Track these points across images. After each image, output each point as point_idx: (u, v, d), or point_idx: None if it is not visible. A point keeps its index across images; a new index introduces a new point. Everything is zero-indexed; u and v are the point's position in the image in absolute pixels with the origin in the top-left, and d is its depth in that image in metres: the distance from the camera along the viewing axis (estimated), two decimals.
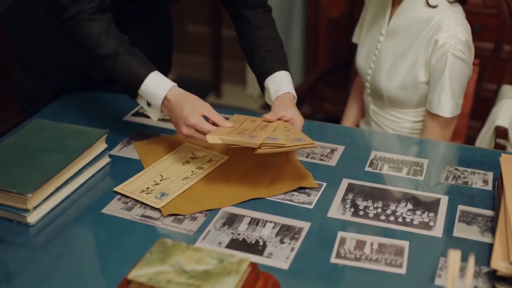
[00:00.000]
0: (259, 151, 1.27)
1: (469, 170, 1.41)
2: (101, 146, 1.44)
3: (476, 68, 1.94)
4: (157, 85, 1.39)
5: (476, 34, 1.81)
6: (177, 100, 1.37)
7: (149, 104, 1.43)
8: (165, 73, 1.81)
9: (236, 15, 1.63)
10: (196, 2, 3.76)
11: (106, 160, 1.45)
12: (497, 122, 1.75)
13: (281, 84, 1.49)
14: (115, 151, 1.49)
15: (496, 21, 1.97)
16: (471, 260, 0.93)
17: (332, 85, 2.90)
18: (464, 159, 1.46)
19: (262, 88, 1.55)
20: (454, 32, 1.53)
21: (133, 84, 1.40)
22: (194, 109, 1.35)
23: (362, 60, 1.75)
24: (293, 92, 1.48)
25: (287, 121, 1.39)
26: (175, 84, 1.40)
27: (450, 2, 1.57)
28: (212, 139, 1.30)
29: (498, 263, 1.03)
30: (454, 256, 0.94)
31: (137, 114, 1.67)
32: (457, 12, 1.58)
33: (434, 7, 1.56)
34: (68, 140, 1.41)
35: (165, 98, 1.38)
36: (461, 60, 1.55)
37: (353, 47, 1.89)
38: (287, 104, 1.43)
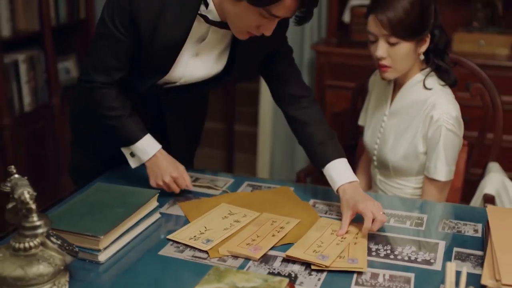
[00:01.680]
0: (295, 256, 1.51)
1: (462, 222, 1.69)
2: (153, 203, 1.73)
3: (465, 148, 2.25)
4: (148, 145, 1.81)
5: (465, 124, 2.13)
6: (164, 158, 1.81)
7: (132, 155, 1.83)
8: (197, 137, 2.22)
9: (285, 113, 1.88)
10: (212, 102, 4.11)
11: (157, 215, 1.73)
12: (485, 191, 2.04)
13: (342, 172, 1.72)
14: (163, 209, 1.78)
15: (482, 112, 2.30)
16: (464, 271, 1.20)
17: None
18: (457, 215, 1.74)
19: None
20: (446, 109, 1.86)
21: (129, 140, 1.81)
22: (176, 167, 1.81)
23: (368, 138, 2.07)
24: (355, 178, 1.72)
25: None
26: (161, 146, 1.82)
27: (442, 85, 1.91)
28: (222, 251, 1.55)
29: (487, 280, 1.30)
30: (451, 267, 1.21)
31: None
32: (448, 93, 1.91)
33: (430, 89, 1.90)
34: (126, 198, 1.70)
35: (154, 155, 1.80)
36: (453, 132, 1.86)
37: (357, 133, 2.21)
38: (362, 196, 1.65)
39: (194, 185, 1.91)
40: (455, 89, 1.99)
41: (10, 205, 1.39)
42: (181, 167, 1.83)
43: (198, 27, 1.70)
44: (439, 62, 1.91)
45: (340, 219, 1.67)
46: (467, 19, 3.30)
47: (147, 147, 1.82)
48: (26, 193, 1.29)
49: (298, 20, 1.58)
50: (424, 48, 1.88)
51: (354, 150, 2.47)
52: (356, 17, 3.34)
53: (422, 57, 1.90)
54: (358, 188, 1.69)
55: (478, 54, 3.08)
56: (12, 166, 1.41)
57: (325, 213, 1.75)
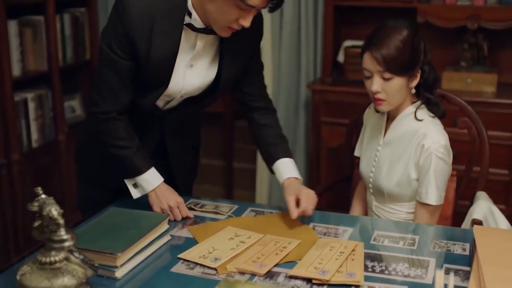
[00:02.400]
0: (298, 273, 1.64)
1: (451, 242, 1.82)
2: (164, 226, 1.85)
3: (455, 178, 2.39)
4: (153, 177, 1.98)
5: (454, 157, 2.27)
6: (167, 188, 2.00)
7: (135, 186, 1.99)
8: (195, 168, 2.36)
9: (247, 116, 2.16)
10: (211, 140, 4.26)
11: (168, 237, 1.85)
12: (474, 216, 2.17)
13: (288, 169, 2.05)
14: (173, 232, 1.90)
15: (470, 146, 2.45)
16: (451, 278, 1.33)
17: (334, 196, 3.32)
18: (447, 236, 1.87)
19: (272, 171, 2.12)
20: (436, 139, 2.00)
21: (137, 171, 1.97)
22: (177, 196, 2.00)
23: (364, 166, 2.21)
24: (299, 176, 2.05)
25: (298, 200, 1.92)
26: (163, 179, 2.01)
27: (432, 117, 2.06)
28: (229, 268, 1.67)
29: None
30: (440, 274, 1.34)
31: (190, 209, 2.08)
32: (437, 124, 2.06)
33: (421, 120, 2.05)
34: (139, 221, 1.82)
35: (158, 186, 1.98)
36: (443, 160, 2.01)
37: (352, 166, 2.35)
38: (296, 187, 1.98)
39: (201, 211, 2.04)
40: (445, 124, 2.14)
41: (36, 223, 1.51)
42: (180, 198, 2.01)
43: (187, 37, 1.89)
44: (429, 95, 2.06)
45: (337, 237, 1.82)
46: (455, 59, 3.49)
47: (152, 179, 1.98)
48: (54, 210, 1.43)
49: (271, 9, 1.79)
50: (415, 82, 2.04)
51: (349, 181, 2.61)
52: (349, 57, 3.52)
53: (413, 90, 2.06)
54: (301, 184, 2.02)
55: (466, 91, 3.25)
56: (39, 188, 1.54)
57: (324, 235, 1.88)
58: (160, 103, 2.01)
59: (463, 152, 2.54)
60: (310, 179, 3.66)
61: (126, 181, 2.01)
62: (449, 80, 3.36)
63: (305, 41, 3.71)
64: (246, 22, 1.79)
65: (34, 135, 3.54)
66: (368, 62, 2.00)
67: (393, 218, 2.15)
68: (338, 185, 2.66)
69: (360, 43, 3.44)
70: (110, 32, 1.87)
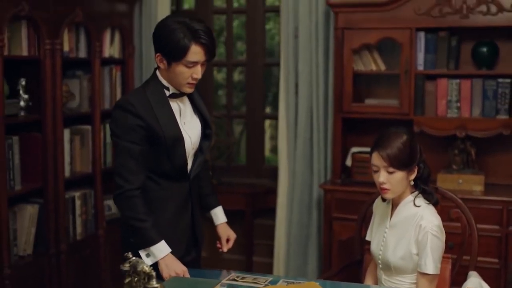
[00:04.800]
0: None
1: None
2: None
3: (450, 261, 2.84)
4: (164, 247, 2.46)
5: (450, 248, 2.69)
6: (174, 258, 2.48)
7: (147, 256, 2.44)
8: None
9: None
10: None
11: None
12: (468, 285, 2.61)
13: (221, 216, 2.82)
14: None
15: (461, 238, 2.90)
16: None
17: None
18: None
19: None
20: (431, 220, 2.48)
21: (151, 241, 2.44)
22: (182, 266, 2.48)
23: (375, 247, 2.67)
24: (226, 220, 2.82)
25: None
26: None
27: (427, 204, 2.55)
28: None
29: None
30: None
31: (233, 280, 2.53)
32: (432, 209, 2.54)
33: (418, 206, 2.53)
34: (197, 285, 2.28)
35: (167, 255, 2.45)
36: (437, 237, 2.47)
37: (362, 251, 2.84)
38: (228, 229, 2.81)
39: (242, 281, 2.49)
40: (442, 219, 2.59)
41: (127, 280, 1.99)
42: (185, 268, 2.48)
43: (173, 105, 2.54)
44: (424, 186, 2.57)
45: None
46: (448, 163, 4.04)
47: (164, 248, 2.46)
48: (146, 267, 1.91)
49: (208, 61, 2.48)
50: (413, 176, 2.55)
51: (361, 264, 3.06)
52: (356, 162, 4.06)
53: (412, 183, 2.57)
54: (227, 225, 2.83)
55: (458, 190, 3.74)
56: (130, 253, 2.02)
57: None
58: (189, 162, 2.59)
59: (457, 244, 3.00)
60: (323, 268, 4.10)
61: (140, 252, 2.46)
62: (443, 181, 3.88)
63: (317, 148, 4.27)
64: (197, 75, 2.45)
65: (79, 229, 4.02)
66: (376, 159, 2.51)
67: None
68: (350, 269, 3.11)
69: (365, 149, 4.04)
70: (121, 128, 2.44)
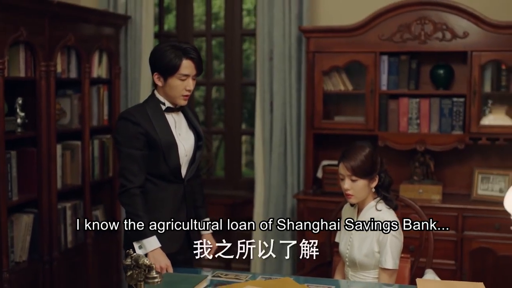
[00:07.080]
0: None
1: None
2: (204, 284, 2.63)
3: (409, 260, 3.20)
4: (155, 241, 2.78)
5: (411, 252, 3.02)
6: (161, 253, 2.79)
7: (140, 247, 2.76)
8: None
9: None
10: None
11: None
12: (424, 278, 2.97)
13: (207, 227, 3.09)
14: None
15: (425, 243, 3.26)
16: None
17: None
18: None
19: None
20: (391, 222, 2.84)
21: (145, 234, 2.76)
22: (166, 260, 2.79)
23: (342, 246, 3.01)
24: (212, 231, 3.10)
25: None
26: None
27: (388, 208, 2.90)
28: None
29: None
30: None
31: (217, 277, 2.85)
32: (392, 213, 2.89)
33: (380, 210, 2.89)
34: (180, 285, 2.60)
35: (157, 248, 2.77)
36: (395, 237, 2.83)
37: (332, 254, 3.20)
38: (212, 239, 3.10)
39: (226, 277, 2.82)
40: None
41: (129, 273, 2.31)
42: (169, 262, 2.79)
43: (168, 118, 2.90)
44: (385, 193, 2.93)
45: None
46: (409, 174, 4.43)
47: (154, 242, 2.78)
48: (146, 260, 2.23)
49: (198, 75, 2.88)
50: (374, 184, 2.91)
51: (330, 264, 3.41)
52: (326, 174, 4.42)
53: (373, 190, 2.93)
54: (212, 236, 3.13)
55: (418, 199, 4.11)
56: (131, 250, 2.34)
57: None
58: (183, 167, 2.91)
59: (417, 247, 3.36)
60: (296, 269, 4.43)
61: (134, 243, 2.78)
62: (405, 191, 4.25)
63: (290, 161, 4.63)
64: (190, 87, 2.82)
65: (69, 238, 4.30)
66: (342, 169, 2.87)
67: (363, 283, 2.96)
68: (322, 269, 3.46)
69: (335, 162, 4.35)
70: (124, 137, 2.80)
